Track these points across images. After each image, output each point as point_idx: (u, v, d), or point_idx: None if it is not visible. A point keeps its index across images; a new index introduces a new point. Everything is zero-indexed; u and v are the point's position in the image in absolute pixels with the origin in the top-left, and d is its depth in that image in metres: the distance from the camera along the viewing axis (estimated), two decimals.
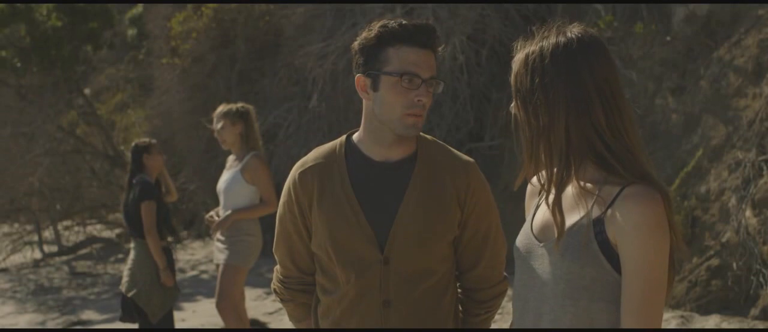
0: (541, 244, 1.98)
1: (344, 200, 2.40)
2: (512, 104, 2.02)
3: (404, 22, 2.37)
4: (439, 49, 2.41)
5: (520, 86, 1.96)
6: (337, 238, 2.40)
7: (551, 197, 1.93)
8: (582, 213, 1.92)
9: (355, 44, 2.41)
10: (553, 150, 1.92)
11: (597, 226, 1.89)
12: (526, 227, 2.07)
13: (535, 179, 2.15)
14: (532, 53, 1.94)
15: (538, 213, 2.05)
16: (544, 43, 1.94)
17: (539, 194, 2.10)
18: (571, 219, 1.94)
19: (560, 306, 1.92)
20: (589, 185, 1.93)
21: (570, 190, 1.97)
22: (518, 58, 1.98)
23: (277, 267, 2.62)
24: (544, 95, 1.91)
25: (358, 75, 2.39)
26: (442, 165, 2.44)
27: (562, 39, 1.92)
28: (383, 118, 2.37)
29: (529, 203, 2.15)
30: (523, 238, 2.05)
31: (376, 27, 2.37)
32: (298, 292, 2.57)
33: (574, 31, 1.93)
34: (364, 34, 2.39)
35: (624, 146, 1.90)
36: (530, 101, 1.92)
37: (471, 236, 2.46)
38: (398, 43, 2.33)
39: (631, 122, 1.93)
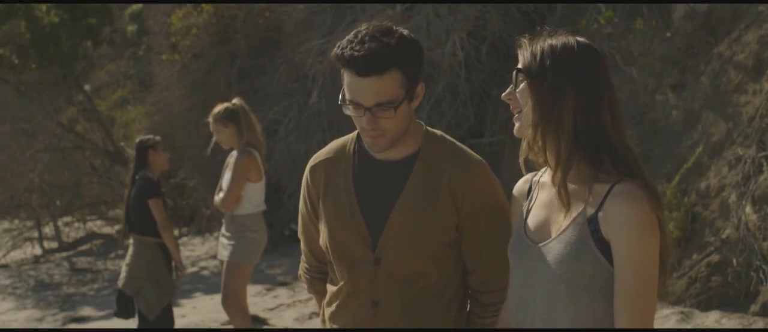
0: (538, 245, 2.00)
1: (344, 198, 2.38)
2: (510, 90, 2.04)
3: (351, 43, 2.21)
4: (394, 71, 2.20)
5: (537, 71, 1.97)
6: (334, 234, 2.39)
7: (558, 176, 1.95)
8: (576, 212, 1.95)
9: None
10: (559, 134, 1.94)
11: (592, 224, 1.93)
12: (518, 229, 2.09)
13: (520, 182, 2.18)
14: (550, 46, 1.97)
15: (531, 214, 2.07)
16: (564, 39, 1.98)
17: (527, 197, 2.13)
18: (566, 218, 1.97)
19: (562, 305, 1.94)
20: (577, 185, 1.97)
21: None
22: (535, 47, 1.99)
23: (302, 255, 2.65)
24: (560, 83, 1.93)
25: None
26: (440, 166, 2.35)
27: (579, 39, 1.98)
28: None
29: (516, 207, 2.18)
30: (516, 239, 2.08)
31: (336, 44, 2.28)
32: (317, 280, 2.59)
33: (582, 38, 2.00)
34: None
35: (624, 144, 1.96)
36: (544, 87, 1.95)
37: (469, 239, 2.37)
38: (344, 68, 2.24)
39: (624, 124, 2.02)
